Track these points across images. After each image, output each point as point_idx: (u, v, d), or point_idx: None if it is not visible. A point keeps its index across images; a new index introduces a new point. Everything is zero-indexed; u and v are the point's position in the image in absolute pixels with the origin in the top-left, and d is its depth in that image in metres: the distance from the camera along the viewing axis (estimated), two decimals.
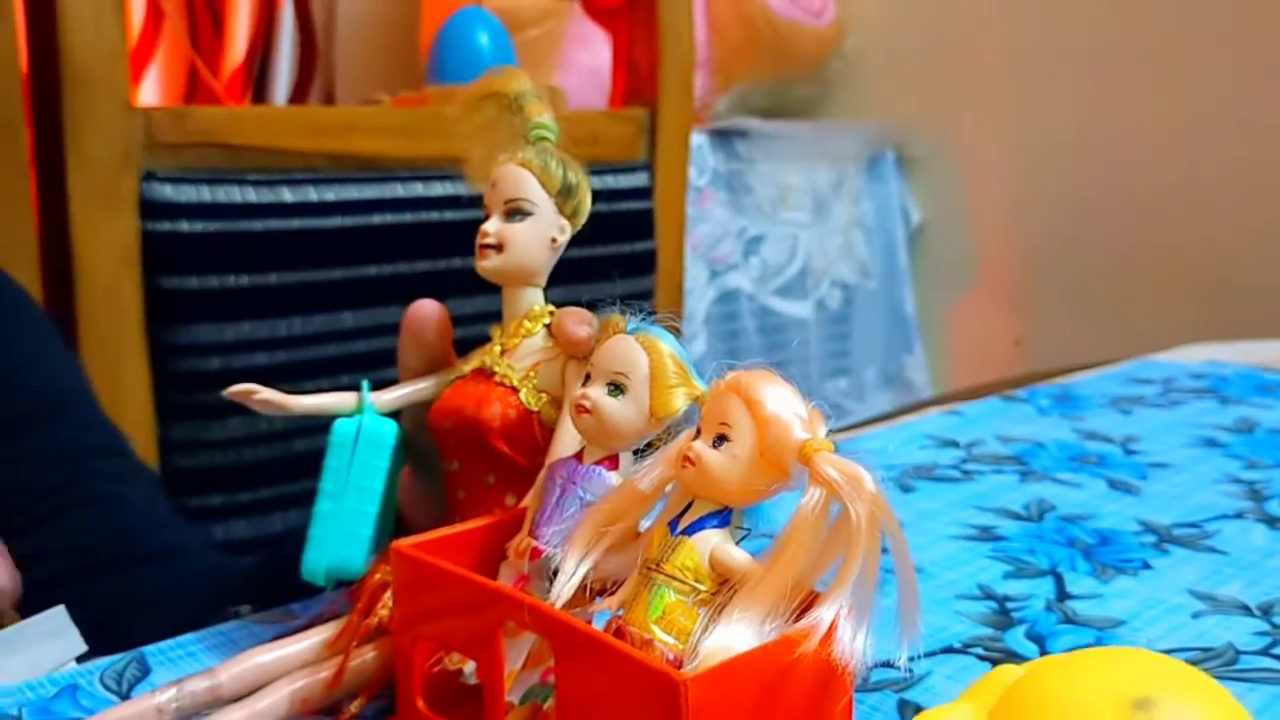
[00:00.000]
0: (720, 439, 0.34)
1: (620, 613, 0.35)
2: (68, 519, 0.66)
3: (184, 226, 0.90)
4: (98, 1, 0.85)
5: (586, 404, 0.38)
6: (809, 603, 0.33)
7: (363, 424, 0.43)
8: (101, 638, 0.48)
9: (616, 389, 0.37)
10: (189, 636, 0.47)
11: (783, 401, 0.35)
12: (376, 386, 0.45)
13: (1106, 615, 0.49)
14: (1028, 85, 1.85)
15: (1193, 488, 0.66)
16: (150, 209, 0.90)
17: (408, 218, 1.03)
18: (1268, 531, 0.59)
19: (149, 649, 0.45)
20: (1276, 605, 0.50)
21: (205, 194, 0.91)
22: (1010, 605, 0.50)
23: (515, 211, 0.43)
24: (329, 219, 0.98)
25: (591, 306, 0.43)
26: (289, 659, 0.40)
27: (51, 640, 0.48)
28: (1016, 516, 0.61)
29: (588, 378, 0.38)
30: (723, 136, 1.70)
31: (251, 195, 0.93)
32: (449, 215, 1.06)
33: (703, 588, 0.34)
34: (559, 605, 0.35)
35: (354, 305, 1.00)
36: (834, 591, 0.32)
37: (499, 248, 0.43)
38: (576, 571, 0.36)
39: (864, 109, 1.99)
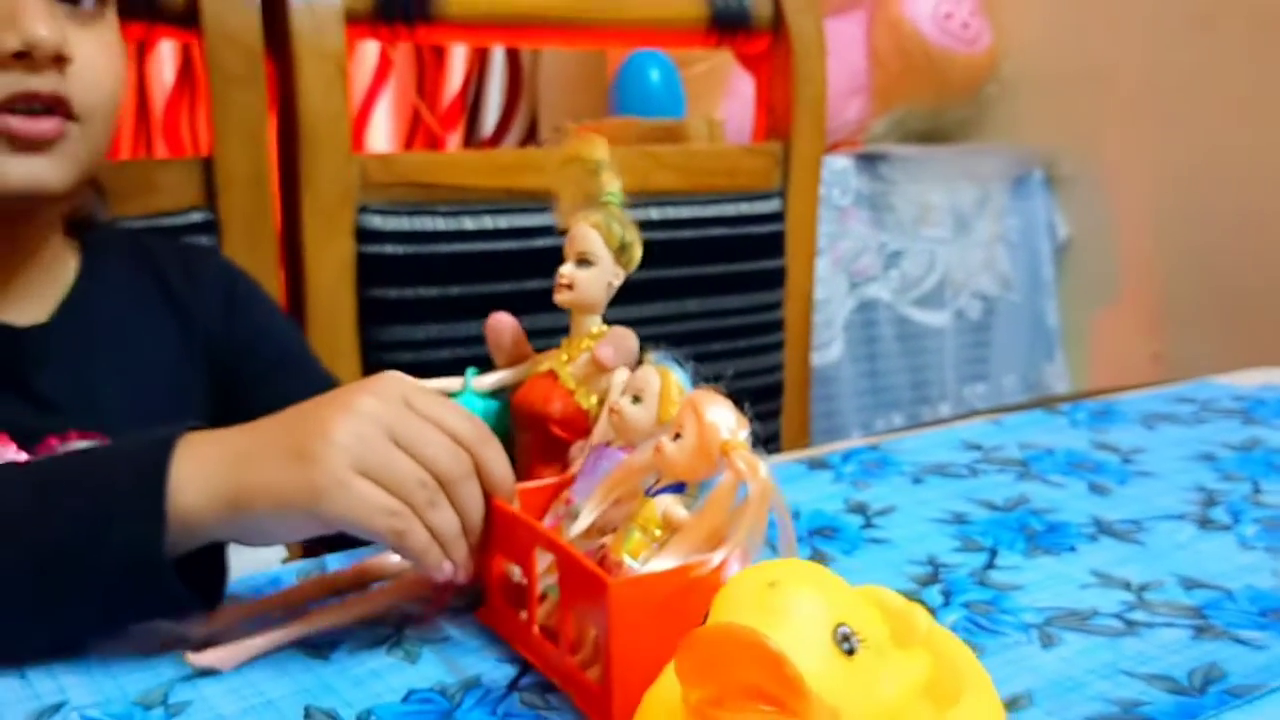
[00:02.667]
0: (678, 436, 0.53)
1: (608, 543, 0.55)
2: None
3: (388, 249, 1.15)
4: (328, 74, 1.10)
5: (616, 409, 0.57)
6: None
7: (462, 401, 0.63)
8: (300, 547, 0.71)
9: (637, 400, 0.57)
10: (359, 549, 0.69)
11: (718, 414, 0.53)
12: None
13: (1011, 582, 0.65)
14: (1174, 107, 1.91)
15: (1159, 493, 0.79)
16: (364, 235, 1.14)
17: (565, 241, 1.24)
18: (1196, 531, 0.72)
19: (329, 556, 0.68)
20: (1152, 584, 0.64)
21: (405, 223, 1.15)
22: (943, 570, 0.67)
23: (583, 261, 0.63)
24: (501, 242, 1.20)
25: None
26: (400, 563, 0.62)
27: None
28: (993, 507, 0.77)
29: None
30: (867, 160, 1.84)
31: (441, 224, 1.17)
32: None
33: (657, 532, 0.53)
34: (573, 538, 0.55)
35: (518, 312, 1.21)
36: (729, 539, 0.51)
37: (570, 286, 0.63)
38: (588, 518, 0.56)
39: (1017, 131, 2.09)
